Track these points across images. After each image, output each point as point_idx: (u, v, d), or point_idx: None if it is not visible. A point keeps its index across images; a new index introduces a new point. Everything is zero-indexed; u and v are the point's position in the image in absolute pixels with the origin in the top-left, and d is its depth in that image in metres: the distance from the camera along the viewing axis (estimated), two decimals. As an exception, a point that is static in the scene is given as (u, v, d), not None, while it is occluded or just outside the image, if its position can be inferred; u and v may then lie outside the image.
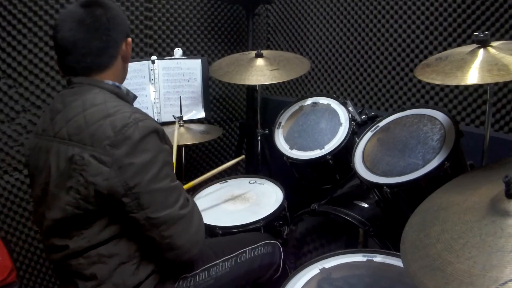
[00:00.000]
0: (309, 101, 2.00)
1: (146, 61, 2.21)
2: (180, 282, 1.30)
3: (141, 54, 2.38)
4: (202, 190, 1.98)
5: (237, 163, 1.92)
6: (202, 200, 1.90)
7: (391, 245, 1.54)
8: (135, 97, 1.33)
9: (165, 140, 1.19)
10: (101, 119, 1.11)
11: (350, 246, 1.68)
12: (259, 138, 2.24)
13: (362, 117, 1.85)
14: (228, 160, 2.88)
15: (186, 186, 1.67)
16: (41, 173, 1.20)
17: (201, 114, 2.32)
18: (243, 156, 1.96)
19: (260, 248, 1.52)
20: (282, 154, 1.87)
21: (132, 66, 2.17)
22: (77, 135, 1.12)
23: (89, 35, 1.15)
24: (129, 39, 1.26)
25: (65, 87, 1.30)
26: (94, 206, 1.12)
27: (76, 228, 1.16)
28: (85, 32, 1.15)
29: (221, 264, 1.40)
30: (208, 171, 1.78)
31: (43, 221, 1.21)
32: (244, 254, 1.47)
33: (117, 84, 1.24)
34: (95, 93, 1.17)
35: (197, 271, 1.34)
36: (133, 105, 1.30)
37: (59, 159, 1.14)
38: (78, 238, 1.16)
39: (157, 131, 1.15)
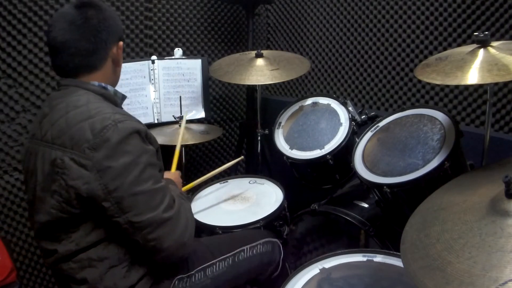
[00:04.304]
0: (309, 101, 2.00)
1: (146, 61, 2.21)
2: (176, 283, 1.29)
3: (141, 54, 2.38)
4: (202, 190, 1.98)
5: (237, 163, 1.92)
6: (202, 200, 1.90)
7: (391, 245, 1.54)
8: (123, 97, 1.31)
9: (149, 140, 1.17)
10: (81, 121, 1.10)
11: (350, 246, 1.68)
12: (259, 138, 2.24)
13: (362, 117, 1.85)
14: (228, 160, 2.89)
15: (185, 188, 1.67)
16: (31, 177, 1.20)
17: (201, 114, 2.32)
18: (242, 157, 1.95)
19: (259, 246, 1.50)
20: (282, 154, 1.87)
21: (132, 66, 2.17)
22: (59, 138, 1.11)
23: (78, 35, 1.15)
24: (121, 43, 1.26)
25: (54, 89, 1.30)
26: (78, 209, 1.11)
27: (63, 232, 1.16)
28: (75, 33, 1.15)
29: (218, 263, 1.38)
30: (208, 171, 1.79)
31: (34, 225, 1.21)
32: (243, 253, 1.45)
33: (103, 84, 1.22)
34: (79, 95, 1.17)
35: (193, 272, 1.33)
36: (121, 105, 1.29)
37: (44, 163, 1.14)
38: (66, 242, 1.15)
39: (139, 132, 1.13)
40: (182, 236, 1.18)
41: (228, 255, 1.42)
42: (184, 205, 1.27)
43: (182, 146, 1.95)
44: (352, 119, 1.82)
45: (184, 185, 1.70)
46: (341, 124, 1.83)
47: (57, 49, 1.17)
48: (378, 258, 1.25)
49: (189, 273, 1.32)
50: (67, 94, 1.18)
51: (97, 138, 1.07)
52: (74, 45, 1.15)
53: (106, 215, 1.11)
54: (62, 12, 1.19)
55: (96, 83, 1.21)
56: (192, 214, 1.29)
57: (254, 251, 1.48)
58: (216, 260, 1.39)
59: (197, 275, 1.34)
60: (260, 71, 1.94)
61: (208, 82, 2.39)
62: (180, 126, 2.17)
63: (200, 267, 1.35)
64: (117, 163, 1.07)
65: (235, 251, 1.44)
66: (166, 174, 1.53)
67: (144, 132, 1.15)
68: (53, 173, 1.11)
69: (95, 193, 1.08)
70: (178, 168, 1.77)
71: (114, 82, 1.30)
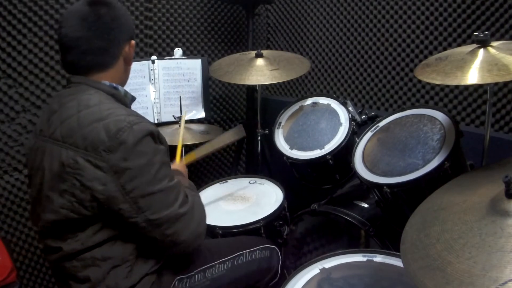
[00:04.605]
0: (309, 101, 2.00)
1: (146, 61, 2.21)
2: (176, 284, 1.30)
3: (141, 54, 2.38)
4: (202, 190, 1.98)
5: (238, 159, 1.91)
6: (202, 200, 1.89)
7: (391, 245, 1.54)
8: (133, 98, 1.31)
9: (160, 140, 1.18)
10: (94, 122, 1.10)
11: (350, 246, 1.68)
12: (259, 138, 2.24)
13: (362, 117, 1.85)
14: (229, 161, 2.89)
15: (186, 159, 1.64)
16: (37, 174, 1.19)
17: (201, 114, 2.32)
18: (241, 125, 1.83)
19: (258, 251, 1.51)
20: (282, 154, 1.87)
21: (132, 66, 2.14)
22: (70, 137, 1.11)
23: (91, 33, 1.14)
24: (133, 42, 1.25)
25: (65, 87, 1.30)
26: (90, 211, 1.11)
27: (69, 231, 1.15)
28: (87, 30, 1.14)
29: (217, 266, 1.39)
30: (208, 171, 1.78)
31: (39, 222, 1.21)
32: (242, 257, 1.46)
33: (114, 85, 1.22)
34: (91, 94, 1.16)
35: (193, 273, 1.34)
36: (131, 106, 1.29)
37: (53, 161, 1.13)
38: (72, 240, 1.15)
39: (152, 133, 1.13)
40: (198, 227, 1.21)
41: (227, 258, 1.43)
42: (196, 198, 1.29)
43: (182, 146, 1.94)
44: (352, 119, 1.82)
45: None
46: (341, 124, 1.83)
47: (68, 46, 1.15)
48: (378, 258, 1.25)
49: (189, 274, 1.33)
50: (77, 92, 1.17)
51: (113, 141, 1.07)
52: (86, 42, 1.14)
53: (122, 217, 1.11)
54: (74, 8, 1.17)
55: (107, 82, 1.20)
56: (203, 206, 1.31)
57: (253, 255, 1.49)
58: (215, 262, 1.40)
59: (197, 276, 1.34)
60: (260, 71, 1.94)
61: (208, 82, 2.39)
62: (180, 126, 2.17)
63: (200, 269, 1.36)
64: (134, 164, 1.08)
65: (235, 255, 1.45)
66: (172, 166, 1.54)
67: (156, 133, 1.16)
68: (64, 172, 1.10)
69: (113, 195, 1.08)
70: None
71: (124, 81, 1.29)
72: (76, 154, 1.09)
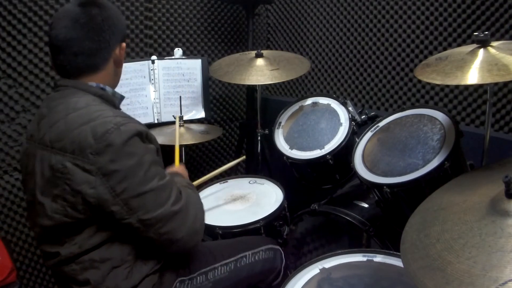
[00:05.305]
0: (309, 101, 2.00)
1: (146, 61, 2.21)
2: (177, 285, 1.29)
3: (141, 54, 2.38)
4: (202, 190, 1.97)
5: (237, 163, 1.92)
6: (202, 200, 1.88)
7: (391, 245, 1.54)
8: (122, 97, 1.29)
9: (148, 140, 1.16)
10: (82, 125, 1.09)
11: (350, 246, 1.68)
12: (259, 138, 2.24)
13: (362, 117, 1.85)
14: (229, 161, 2.89)
15: None
16: (30, 179, 1.18)
17: (201, 114, 2.32)
18: (244, 157, 1.94)
19: (261, 252, 1.49)
20: (282, 154, 1.87)
21: (132, 66, 2.17)
22: (58, 142, 1.10)
23: (82, 34, 1.13)
24: (124, 44, 1.24)
25: (53, 90, 1.29)
26: (83, 214, 1.10)
27: (66, 235, 1.15)
28: (79, 31, 1.13)
29: (219, 268, 1.38)
30: (208, 171, 1.79)
31: (35, 227, 1.21)
32: (245, 258, 1.44)
33: (101, 86, 1.21)
34: (78, 97, 1.15)
35: (195, 275, 1.33)
36: (120, 106, 1.28)
37: (43, 166, 1.12)
38: (69, 244, 1.15)
39: (140, 133, 1.12)
40: (194, 224, 1.19)
41: (230, 260, 1.41)
42: (192, 195, 1.28)
43: (182, 146, 1.95)
44: (352, 119, 1.82)
45: None
46: (341, 124, 1.83)
47: (59, 48, 1.14)
48: (378, 258, 1.25)
49: (190, 276, 1.32)
50: (65, 96, 1.16)
51: (100, 143, 1.06)
52: (77, 44, 1.13)
53: (115, 219, 1.10)
54: (65, 9, 1.16)
55: (94, 84, 1.19)
56: (200, 203, 1.29)
57: (256, 257, 1.47)
58: (218, 264, 1.38)
59: (198, 278, 1.33)
60: (260, 71, 1.94)
61: (208, 82, 2.39)
62: (180, 126, 2.17)
63: (201, 270, 1.35)
64: (123, 166, 1.07)
65: (237, 256, 1.43)
66: (171, 169, 1.54)
67: (144, 133, 1.14)
68: (55, 178, 1.10)
69: (103, 197, 1.07)
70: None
71: (115, 83, 1.28)
72: (64, 159, 1.08)
